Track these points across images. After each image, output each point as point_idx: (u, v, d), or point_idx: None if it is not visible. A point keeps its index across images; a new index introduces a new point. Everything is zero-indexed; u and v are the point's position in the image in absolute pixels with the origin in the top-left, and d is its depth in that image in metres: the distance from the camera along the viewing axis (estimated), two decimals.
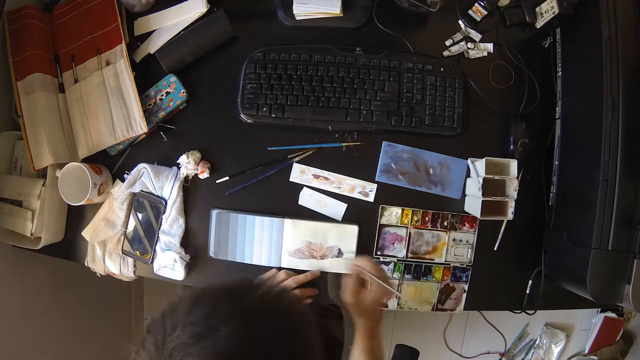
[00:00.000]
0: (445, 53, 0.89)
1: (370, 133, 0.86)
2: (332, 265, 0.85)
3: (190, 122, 0.87)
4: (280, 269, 0.85)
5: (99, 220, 0.86)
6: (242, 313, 0.45)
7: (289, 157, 0.86)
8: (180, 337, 0.41)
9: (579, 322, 1.76)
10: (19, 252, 0.87)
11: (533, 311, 0.91)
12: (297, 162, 0.86)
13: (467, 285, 0.90)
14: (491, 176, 0.81)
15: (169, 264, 0.84)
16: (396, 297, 0.87)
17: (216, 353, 0.41)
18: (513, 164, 0.83)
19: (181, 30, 0.85)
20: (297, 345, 0.47)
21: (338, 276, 0.84)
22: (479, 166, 0.84)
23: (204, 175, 0.84)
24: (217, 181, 0.85)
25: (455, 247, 0.89)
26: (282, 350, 0.45)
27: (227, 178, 0.85)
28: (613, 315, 1.69)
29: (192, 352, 0.40)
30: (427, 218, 0.87)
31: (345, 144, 0.86)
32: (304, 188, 0.86)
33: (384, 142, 0.87)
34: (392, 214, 0.87)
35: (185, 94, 0.84)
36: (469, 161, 0.87)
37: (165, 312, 0.45)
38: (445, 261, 0.89)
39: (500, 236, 0.89)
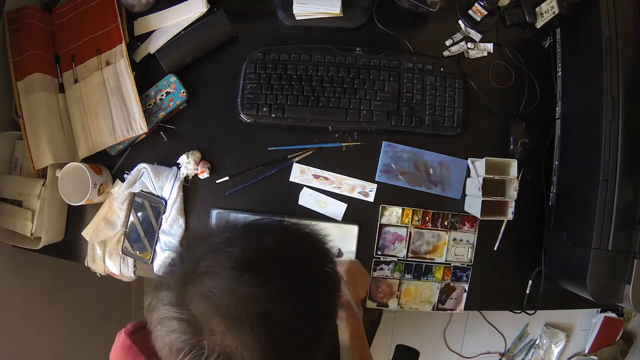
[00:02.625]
0: (445, 53, 0.89)
1: (370, 133, 0.86)
2: None
3: (190, 122, 0.87)
4: None
5: (99, 220, 0.86)
6: (283, 233, 0.48)
7: (289, 157, 0.86)
8: (215, 241, 0.43)
9: (579, 322, 1.76)
10: (19, 252, 0.87)
11: (533, 311, 0.91)
12: (297, 162, 0.86)
13: (468, 285, 0.90)
14: (491, 176, 0.81)
15: None
16: (383, 289, 0.87)
17: (250, 250, 0.42)
18: (513, 164, 0.83)
19: (181, 30, 0.85)
20: (327, 272, 0.48)
21: None
22: (478, 166, 0.84)
23: (204, 175, 0.84)
24: (217, 181, 0.85)
25: (456, 247, 0.89)
26: (312, 277, 0.46)
27: (227, 178, 0.85)
28: (613, 315, 1.69)
29: (223, 253, 0.42)
30: (427, 218, 0.87)
31: (345, 144, 0.86)
32: (304, 188, 0.86)
33: (384, 142, 0.87)
34: (392, 214, 0.87)
35: (185, 94, 0.84)
36: (468, 161, 0.87)
37: (198, 235, 0.47)
38: (445, 261, 0.89)
39: (500, 236, 0.89)
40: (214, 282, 0.40)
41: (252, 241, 0.44)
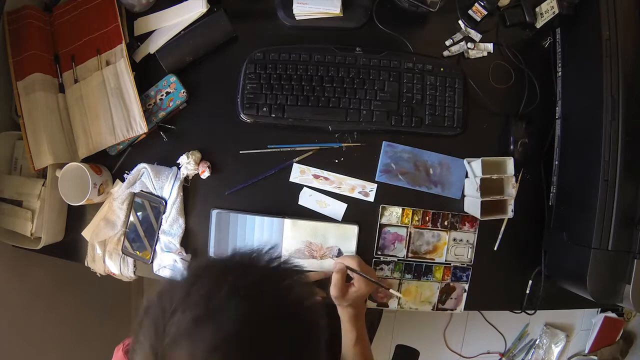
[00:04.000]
0: (445, 53, 0.89)
1: (370, 133, 0.86)
2: (332, 266, 0.85)
3: (190, 122, 0.87)
4: None
5: (98, 220, 0.86)
6: (245, 289, 0.43)
7: (288, 157, 0.86)
8: (181, 322, 0.40)
9: (579, 322, 1.76)
10: (19, 252, 0.87)
11: (533, 311, 0.91)
12: (297, 162, 0.86)
13: (468, 285, 0.90)
14: (488, 176, 0.81)
15: (169, 264, 0.84)
16: (384, 290, 0.87)
17: (220, 336, 0.39)
18: (509, 162, 0.83)
19: (181, 30, 0.85)
20: (303, 324, 0.45)
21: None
22: (475, 166, 0.84)
23: (205, 175, 0.84)
24: (227, 193, 0.85)
25: (456, 247, 0.89)
26: (286, 331, 0.44)
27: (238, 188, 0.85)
28: (613, 315, 1.69)
29: (195, 337, 0.39)
30: (427, 218, 0.87)
31: (345, 144, 0.86)
32: (304, 188, 0.86)
33: (384, 142, 0.87)
34: (392, 214, 0.87)
35: (185, 94, 0.84)
36: (465, 162, 0.87)
37: (163, 293, 0.43)
38: (445, 261, 0.89)
39: (500, 236, 0.89)
40: None
41: (228, 316, 0.41)
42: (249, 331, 0.41)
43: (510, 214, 0.83)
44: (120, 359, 0.62)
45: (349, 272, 0.79)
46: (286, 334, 0.43)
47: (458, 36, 0.89)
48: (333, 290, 0.77)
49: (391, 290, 0.84)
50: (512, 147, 0.88)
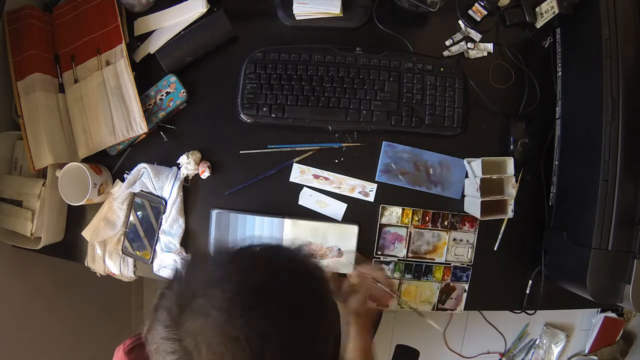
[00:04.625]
0: (445, 53, 0.89)
1: (370, 133, 0.86)
2: (331, 266, 0.85)
3: (190, 122, 0.87)
4: None
5: (98, 220, 0.86)
6: (273, 266, 0.47)
7: (288, 157, 0.86)
8: (208, 277, 0.44)
9: (579, 322, 1.76)
10: (19, 252, 0.87)
11: (533, 311, 0.91)
12: (297, 162, 0.86)
13: (468, 285, 0.90)
14: (488, 176, 0.81)
15: (169, 264, 0.84)
16: (397, 298, 0.87)
17: (241, 289, 0.43)
18: (509, 162, 0.83)
19: (181, 30, 0.85)
20: (320, 303, 0.49)
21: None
22: (475, 166, 0.84)
23: (205, 175, 0.84)
24: (227, 193, 0.86)
25: (456, 247, 0.89)
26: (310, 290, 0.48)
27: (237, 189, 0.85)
28: (613, 315, 1.69)
29: (218, 288, 0.42)
30: (427, 218, 0.87)
31: (345, 144, 0.86)
32: (304, 188, 0.86)
33: (384, 142, 0.87)
34: (392, 214, 0.87)
35: (185, 94, 0.84)
36: (465, 162, 0.87)
37: (193, 261, 0.48)
38: (445, 261, 0.89)
39: (500, 236, 0.89)
40: (204, 323, 0.41)
41: (243, 279, 0.44)
42: (272, 297, 0.44)
43: (510, 214, 0.83)
44: (120, 359, 0.62)
45: (366, 279, 0.76)
46: (306, 312, 0.46)
47: (458, 36, 0.89)
48: (348, 299, 0.74)
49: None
50: (512, 147, 0.88)
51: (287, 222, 0.84)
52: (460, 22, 0.89)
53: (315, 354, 0.46)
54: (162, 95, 0.84)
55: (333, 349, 0.49)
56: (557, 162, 0.87)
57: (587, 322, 1.75)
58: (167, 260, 0.84)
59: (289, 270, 0.48)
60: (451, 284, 0.89)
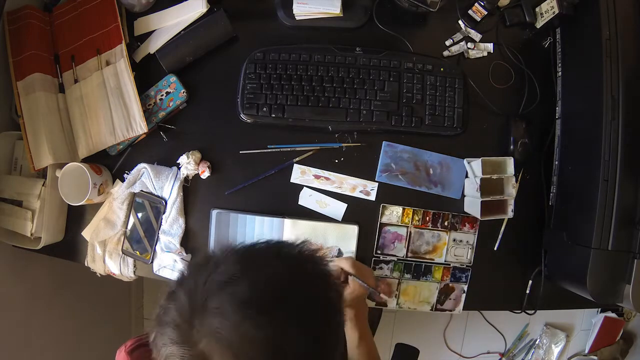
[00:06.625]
0: (445, 53, 0.89)
1: (370, 133, 0.86)
2: (331, 266, 0.85)
3: (190, 122, 0.87)
4: None
5: (98, 220, 0.86)
6: (287, 257, 0.48)
7: (288, 157, 0.86)
8: (219, 277, 0.43)
9: (579, 322, 1.76)
10: (19, 252, 0.87)
11: (533, 311, 0.91)
12: (297, 162, 0.86)
13: (467, 286, 0.90)
14: (488, 176, 0.81)
15: (169, 264, 0.84)
16: (382, 289, 0.87)
17: (254, 286, 0.42)
18: (509, 162, 0.83)
19: (181, 30, 0.85)
20: (330, 292, 0.49)
21: None
22: (475, 167, 0.84)
23: (205, 175, 0.84)
24: (226, 193, 0.85)
25: (456, 248, 0.89)
26: (316, 288, 0.47)
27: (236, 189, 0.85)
28: (613, 315, 1.68)
29: (230, 287, 0.42)
30: (427, 218, 0.87)
31: (345, 144, 0.86)
32: (304, 188, 0.86)
33: (384, 142, 0.87)
34: (392, 213, 0.87)
35: (185, 94, 0.84)
36: (465, 162, 0.87)
37: (200, 262, 0.47)
38: (445, 261, 0.89)
39: (500, 236, 0.89)
40: (221, 322, 0.40)
41: (255, 276, 0.44)
42: (283, 283, 0.44)
43: (510, 214, 0.83)
44: (123, 359, 0.61)
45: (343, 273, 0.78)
46: (318, 307, 0.46)
47: (458, 36, 0.89)
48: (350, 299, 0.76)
49: (382, 295, 0.83)
50: (512, 147, 0.88)
51: (287, 222, 0.84)
52: (460, 22, 0.89)
53: (332, 345, 0.46)
54: (162, 95, 0.84)
55: (342, 347, 0.50)
56: (557, 162, 0.87)
57: (587, 322, 1.75)
58: (167, 260, 0.84)
59: (298, 265, 0.48)
60: (450, 285, 0.89)
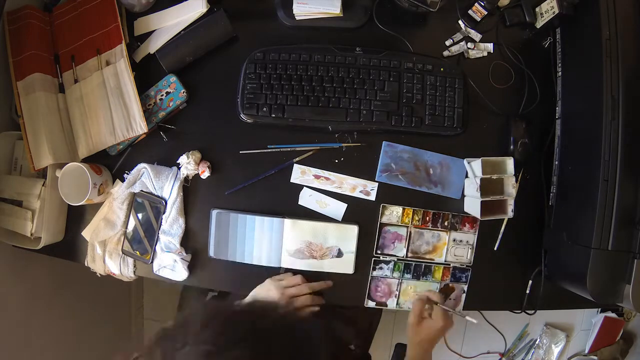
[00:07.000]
0: (445, 53, 0.89)
1: (370, 133, 0.86)
2: (331, 266, 0.86)
3: (190, 122, 0.87)
4: (294, 273, 0.86)
5: (98, 220, 0.86)
6: (256, 335, 0.44)
7: (288, 157, 0.86)
8: (190, 354, 0.41)
9: (579, 322, 1.76)
10: (19, 252, 0.87)
11: (533, 311, 0.91)
12: (297, 162, 0.86)
13: (467, 285, 0.90)
14: (488, 176, 0.81)
15: (169, 264, 0.84)
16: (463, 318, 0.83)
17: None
18: (509, 162, 0.83)
19: (181, 30, 0.85)
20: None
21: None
22: (475, 167, 0.84)
23: (205, 175, 0.84)
24: (227, 193, 0.85)
25: (456, 248, 0.89)
26: None
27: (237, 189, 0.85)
28: (613, 315, 1.68)
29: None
30: (427, 218, 0.87)
31: (345, 144, 0.86)
32: (304, 188, 0.86)
33: (384, 142, 0.87)
34: (392, 213, 0.87)
35: (185, 94, 0.84)
36: (465, 162, 0.87)
37: (176, 326, 0.45)
38: (445, 261, 0.89)
39: (500, 236, 0.89)
40: None
41: (236, 355, 0.42)
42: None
43: (510, 214, 0.83)
44: None
45: (430, 302, 0.77)
46: None
47: (458, 36, 0.89)
48: (410, 316, 0.77)
49: (468, 318, 0.80)
50: (512, 147, 0.88)
51: (287, 222, 0.84)
52: (460, 22, 0.89)
53: None
54: (162, 95, 0.84)
55: None
56: (557, 162, 0.87)
57: (587, 322, 1.75)
58: (167, 260, 0.84)
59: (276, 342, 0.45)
60: (450, 285, 0.89)
